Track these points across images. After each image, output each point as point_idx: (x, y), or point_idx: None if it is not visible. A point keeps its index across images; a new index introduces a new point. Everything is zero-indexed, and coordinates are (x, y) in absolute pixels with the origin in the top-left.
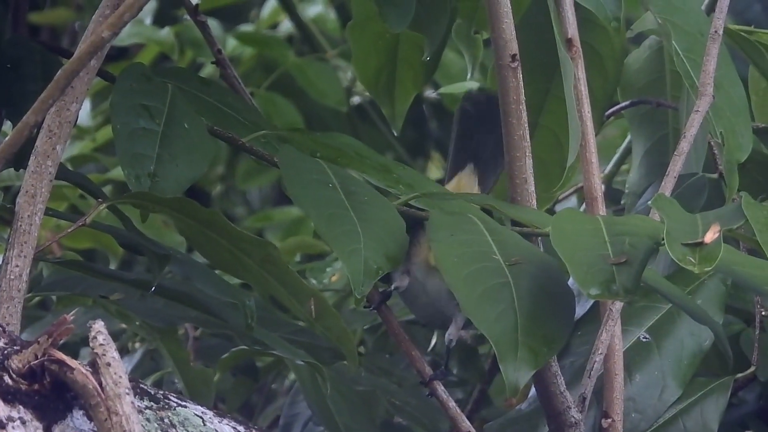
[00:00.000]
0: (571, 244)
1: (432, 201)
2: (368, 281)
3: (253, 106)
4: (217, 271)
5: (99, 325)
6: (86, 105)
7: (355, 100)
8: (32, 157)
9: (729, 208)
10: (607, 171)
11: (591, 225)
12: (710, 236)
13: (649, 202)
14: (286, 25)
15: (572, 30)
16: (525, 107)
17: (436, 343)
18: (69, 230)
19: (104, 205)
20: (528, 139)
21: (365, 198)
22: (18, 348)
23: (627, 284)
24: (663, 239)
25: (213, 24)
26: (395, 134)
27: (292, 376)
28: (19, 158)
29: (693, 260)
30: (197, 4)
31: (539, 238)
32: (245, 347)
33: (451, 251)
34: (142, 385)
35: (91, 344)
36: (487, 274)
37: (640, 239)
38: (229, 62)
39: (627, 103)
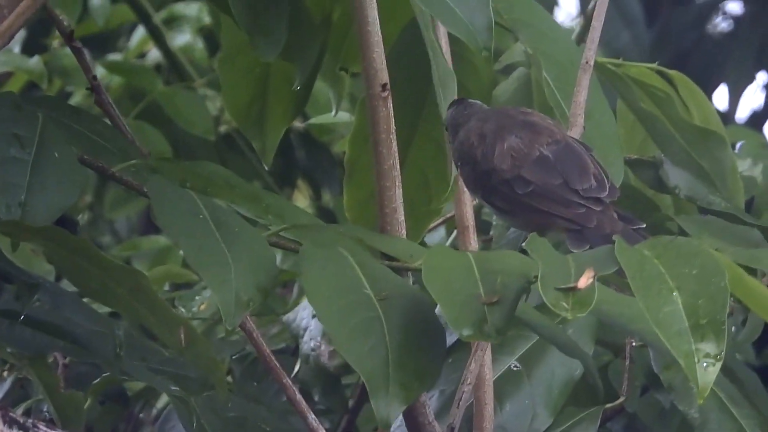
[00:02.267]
0: (442, 283)
1: (302, 232)
2: (239, 312)
3: (124, 133)
4: (86, 300)
5: None
6: None
7: (223, 129)
8: None
9: (602, 251)
10: (476, 201)
11: (462, 262)
12: (584, 281)
13: (523, 245)
14: (155, 54)
15: (447, 59)
16: (395, 137)
17: (299, 370)
18: None
19: None
20: (398, 169)
21: (236, 229)
22: None
23: (499, 324)
24: (535, 277)
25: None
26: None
27: (160, 404)
28: None
29: (566, 305)
30: (72, 30)
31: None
32: (112, 376)
33: (321, 284)
34: (11, 414)
35: None
36: (358, 307)
37: (511, 278)
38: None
39: None
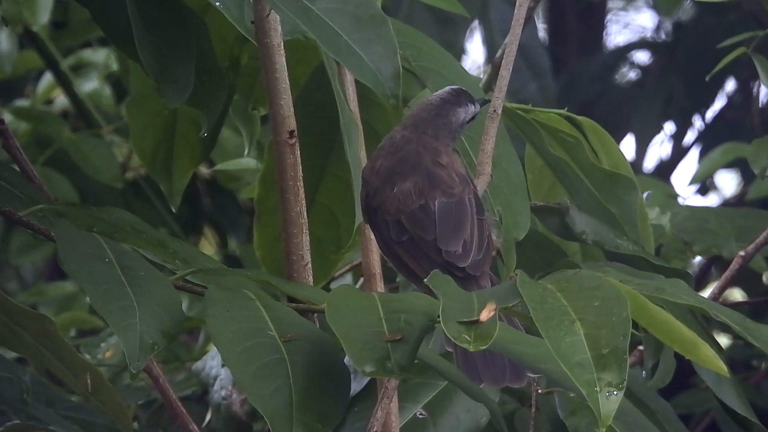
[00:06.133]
0: (346, 320)
1: (208, 276)
2: (143, 356)
3: (32, 179)
4: None
5: None
6: None
7: (130, 176)
8: None
9: (504, 286)
10: None
11: (367, 302)
12: (486, 314)
13: (425, 280)
14: (62, 100)
15: (353, 105)
16: (302, 184)
17: (210, 419)
18: None
19: None
20: (305, 216)
21: (141, 273)
22: None
23: (402, 361)
24: (438, 317)
25: None
26: (173, 210)
27: None
28: None
29: (468, 338)
30: None
31: (315, 315)
32: (19, 422)
33: (226, 327)
34: None
35: None
36: (263, 349)
37: (415, 316)
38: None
39: None
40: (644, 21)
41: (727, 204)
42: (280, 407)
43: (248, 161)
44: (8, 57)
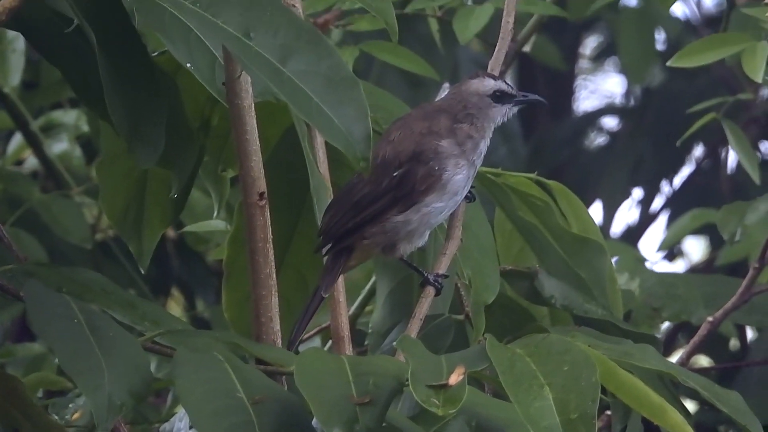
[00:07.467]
0: (315, 383)
1: (177, 338)
2: (112, 417)
3: (1, 238)
4: None
5: None
6: None
7: (99, 237)
8: None
9: (474, 350)
10: (351, 312)
11: (335, 364)
12: (454, 378)
13: (395, 343)
14: (32, 161)
15: (323, 168)
16: (272, 245)
17: None
18: None
19: None
20: (274, 278)
21: (110, 334)
22: None
23: (370, 424)
24: (407, 380)
25: None
26: (141, 271)
27: None
28: None
29: (437, 402)
30: None
31: (284, 377)
32: None
33: (195, 388)
34: None
35: None
36: (231, 411)
37: (384, 379)
38: None
39: None
40: (613, 86)
41: (694, 270)
42: None
43: (217, 223)
44: None
